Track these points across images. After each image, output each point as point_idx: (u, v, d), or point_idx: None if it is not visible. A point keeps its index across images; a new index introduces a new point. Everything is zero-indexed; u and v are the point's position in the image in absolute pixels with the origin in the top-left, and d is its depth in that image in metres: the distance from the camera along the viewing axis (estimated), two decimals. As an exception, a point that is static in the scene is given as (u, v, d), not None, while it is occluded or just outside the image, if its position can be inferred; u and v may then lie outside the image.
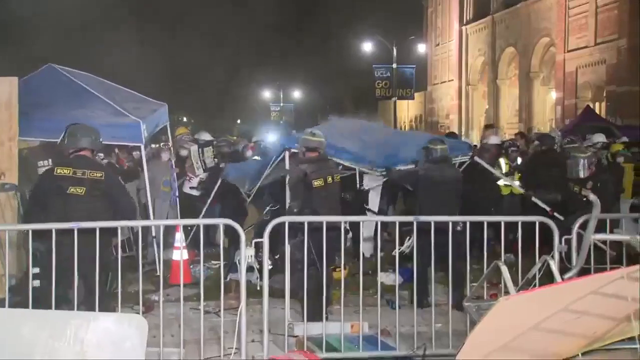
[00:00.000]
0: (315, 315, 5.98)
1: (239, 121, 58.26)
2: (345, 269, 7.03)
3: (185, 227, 8.20)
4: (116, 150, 10.05)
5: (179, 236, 8.14)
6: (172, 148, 10.03)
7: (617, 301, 3.54)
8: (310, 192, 6.90)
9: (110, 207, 6.04)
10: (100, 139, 6.34)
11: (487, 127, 15.88)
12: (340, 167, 8.12)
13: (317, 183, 6.92)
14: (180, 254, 7.57)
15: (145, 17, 52.58)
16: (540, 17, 34.77)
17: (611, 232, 5.73)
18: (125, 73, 25.83)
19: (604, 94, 29.77)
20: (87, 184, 5.98)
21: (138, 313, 5.29)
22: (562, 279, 4.01)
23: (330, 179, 7.03)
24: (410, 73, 37.39)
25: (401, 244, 6.25)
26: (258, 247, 5.73)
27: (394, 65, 36.41)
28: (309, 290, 5.81)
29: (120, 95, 9.24)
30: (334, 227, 5.87)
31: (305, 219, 5.78)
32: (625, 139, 13.69)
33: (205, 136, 11.17)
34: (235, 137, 11.99)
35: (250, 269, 5.97)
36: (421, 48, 46.36)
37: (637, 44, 27.10)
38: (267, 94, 61.80)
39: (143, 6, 53.84)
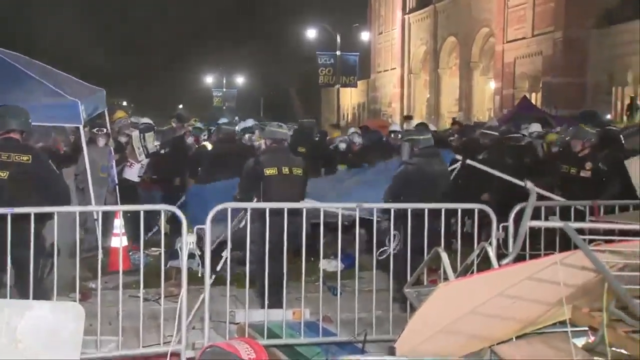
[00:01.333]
0: (272, 302, 5.99)
1: (180, 106, 57.49)
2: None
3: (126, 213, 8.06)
4: (53, 134, 9.78)
5: (118, 223, 7.98)
6: (110, 133, 9.82)
7: (550, 286, 3.64)
8: (261, 181, 6.89)
9: (39, 192, 5.86)
10: (30, 120, 6.14)
11: (407, 117, 15.97)
12: None
13: (269, 172, 6.92)
14: (119, 241, 7.43)
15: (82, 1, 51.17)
16: (481, 8, 35.41)
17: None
18: (60, 57, 25.14)
19: (540, 85, 30.60)
20: (12, 168, 5.77)
21: (74, 301, 5.17)
22: (499, 265, 4.10)
23: (286, 169, 7.00)
24: (353, 60, 37.63)
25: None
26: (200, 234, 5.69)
27: (338, 53, 36.55)
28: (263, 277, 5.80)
29: (55, 77, 8.97)
30: (290, 214, 5.86)
31: (248, 205, 5.77)
32: (559, 128, 14.11)
33: (146, 121, 10.98)
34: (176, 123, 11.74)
35: (192, 255, 5.89)
36: (365, 36, 46.65)
37: (572, 36, 28.01)
38: (209, 79, 61.17)
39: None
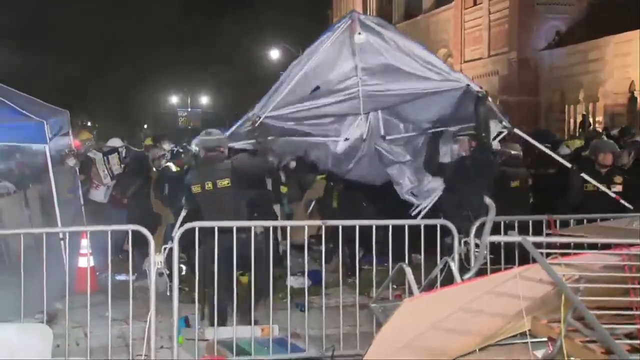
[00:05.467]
0: (225, 319, 6.03)
1: (145, 126, 57.02)
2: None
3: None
4: (17, 156, 9.69)
5: (86, 243, 7.95)
6: (76, 154, 9.76)
7: (511, 299, 3.77)
8: (194, 197, 6.72)
9: None
10: None
11: None
12: None
13: (195, 189, 6.67)
14: (86, 261, 7.40)
15: (43, 22, 50.58)
16: (439, 29, 36.03)
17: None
18: (22, 78, 24.81)
19: (497, 103, 31.21)
20: None
21: (41, 322, 5.16)
22: (462, 280, 4.22)
23: (209, 184, 6.58)
24: (317, 80, 37.62)
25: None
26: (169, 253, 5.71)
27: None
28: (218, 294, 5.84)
29: (19, 99, 8.92)
30: (234, 231, 5.85)
31: (216, 224, 5.82)
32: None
33: (116, 142, 10.89)
34: (148, 142, 11.62)
35: (160, 275, 5.92)
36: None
37: (525, 57, 28.78)
38: (174, 99, 60.88)
39: (41, 10, 51.78)
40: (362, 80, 6.83)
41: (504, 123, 7.50)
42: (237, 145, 7.32)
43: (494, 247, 6.05)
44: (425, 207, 7.88)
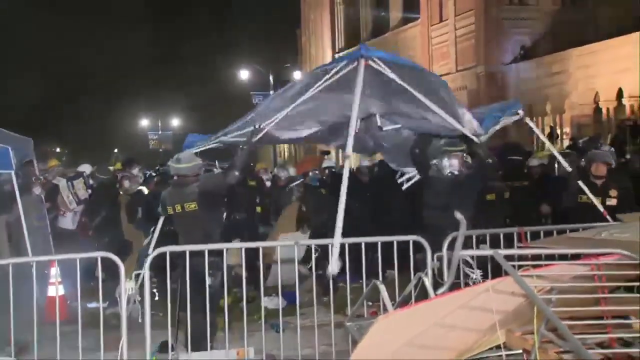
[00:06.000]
0: (200, 343, 5.97)
1: (116, 150, 56.63)
2: (230, 295, 7.02)
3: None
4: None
5: (55, 271, 7.81)
6: (41, 182, 9.62)
7: (484, 312, 3.78)
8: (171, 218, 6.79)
9: None
10: None
11: (323, 152, 15.93)
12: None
13: (169, 210, 6.71)
14: (56, 290, 7.28)
15: (10, 46, 50.17)
16: (407, 46, 36.40)
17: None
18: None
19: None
20: None
21: (9, 356, 5.05)
22: (435, 295, 4.22)
23: (178, 207, 6.59)
24: (287, 100, 37.73)
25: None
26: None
27: (271, 92, 36.76)
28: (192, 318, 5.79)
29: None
30: (201, 255, 5.85)
31: (187, 248, 5.77)
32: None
33: (86, 168, 10.77)
34: (118, 167, 11.49)
35: (134, 302, 5.85)
36: (297, 75, 47.06)
37: (492, 71, 29.25)
38: (144, 122, 60.53)
39: (7, 34, 51.38)
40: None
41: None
42: (227, 139, 7.53)
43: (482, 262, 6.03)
44: (414, 177, 7.91)
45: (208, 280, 5.89)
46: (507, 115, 7.34)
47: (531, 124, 7.89)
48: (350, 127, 5.98)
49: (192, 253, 5.79)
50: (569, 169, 7.57)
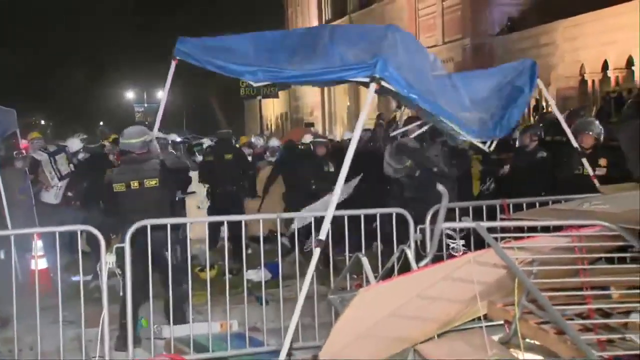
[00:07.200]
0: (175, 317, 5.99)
1: (101, 123, 56.19)
2: (213, 268, 7.02)
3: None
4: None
5: (39, 244, 7.77)
6: (23, 156, 9.50)
7: (466, 284, 3.79)
8: (114, 196, 6.56)
9: None
10: None
11: (307, 125, 15.96)
12: None
13: (118, 187, 6.50)
14: (37, 263, 7.24)
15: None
16: (393, 17, 36.15)
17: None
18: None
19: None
20: None
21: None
22: (418, 267, 4.22)
23: (135, 183, 6.45)
24: (274, 71, 37.47)
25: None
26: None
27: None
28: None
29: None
30: (159, 228, 5.82)
31: (168, 221, 5.75)
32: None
33: (74, 143, 10.58)
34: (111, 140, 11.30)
35: (113, 274, 5.82)
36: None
37: (479, 43, 29.14)
38: (130, 94, 59.99)
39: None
40: None
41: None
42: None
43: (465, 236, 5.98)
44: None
45: (168, 256, 5.85)
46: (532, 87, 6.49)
47: (546, 95, 8.11)
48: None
49: (153, 227, 5.70)
50: (575, 145, 7.28)
